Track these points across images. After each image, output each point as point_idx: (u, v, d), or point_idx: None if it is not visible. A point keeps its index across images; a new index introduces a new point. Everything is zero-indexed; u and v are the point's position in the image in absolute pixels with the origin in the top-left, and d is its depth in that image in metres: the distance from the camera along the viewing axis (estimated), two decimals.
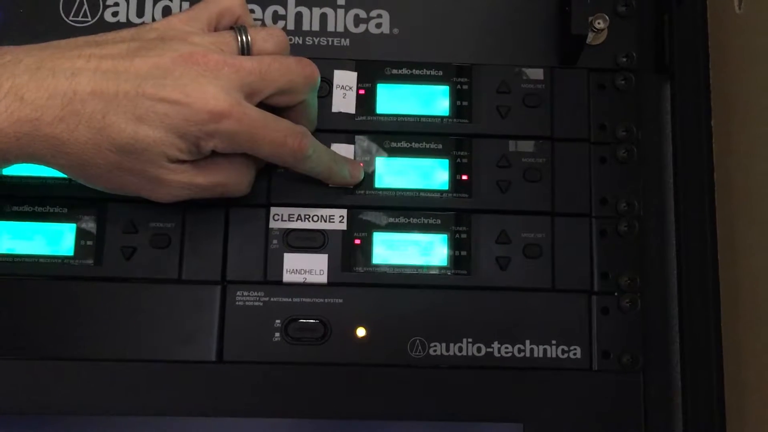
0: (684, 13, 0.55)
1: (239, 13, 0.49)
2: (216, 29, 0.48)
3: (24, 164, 0.49)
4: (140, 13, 0.54)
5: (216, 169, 0.47)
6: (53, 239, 0.51)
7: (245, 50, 0.47)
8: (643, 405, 0.51)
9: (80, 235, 0.51)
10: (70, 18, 0.54)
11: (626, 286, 0.52)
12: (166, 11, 0.54)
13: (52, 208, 0.51)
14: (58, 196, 0.51)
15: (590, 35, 0.54)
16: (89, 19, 0.54)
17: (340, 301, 0.51)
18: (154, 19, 0.54)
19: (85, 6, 0.54)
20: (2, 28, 0.53)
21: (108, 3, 0.54)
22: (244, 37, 0.48)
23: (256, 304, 0.51)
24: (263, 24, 0.54)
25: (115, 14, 0.54)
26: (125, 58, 0.45)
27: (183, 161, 0.46)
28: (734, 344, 0.51)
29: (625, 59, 0.55)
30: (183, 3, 0.55)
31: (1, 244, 0.51)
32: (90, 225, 0.51)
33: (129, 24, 0.54)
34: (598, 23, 0.54)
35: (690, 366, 0.52)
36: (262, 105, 0.47)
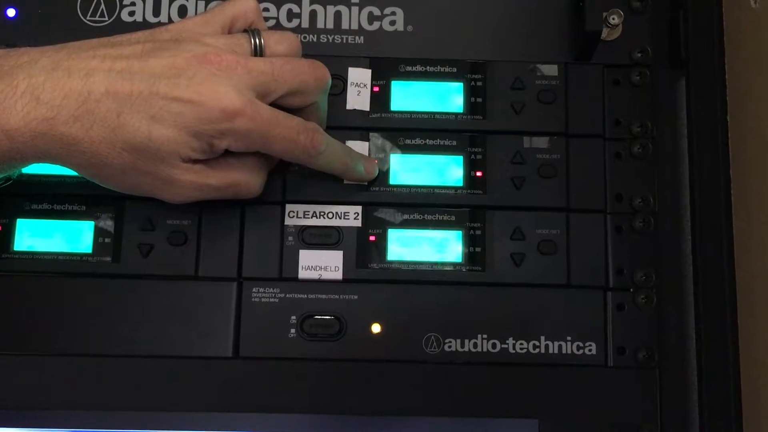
0: (699, 8, 0.54)
1: (253, 18, 0.49)
2: (230, 32, 0.49)
3: (42, 163, 0.50)
4: (156, 12, 0.55)
5: (228, 170, 0.48)
6: (72, 237, 0.52)
7: (258, 52, 0.48)
8: (659, 401, 0.51)
9: (98, 232, 0.52)
10: (88, 18, 0.55)
11: (641, 282, 0.52)
12: (182, 11, 0.55)
13: (70, 206, 0.52)
14: (76, 194, 0.52)
15: (605, 31, 0.54)
16: (106, 18, 0.55)
17: (355, 297, 0.51)
18: (170, 19, 0.55)
19: (102, 6, 0.55)
20: (20, 27, 0.54)
21: (125, 2, 0.55)
22: (257, 40, 0.48)
23: (272, 300, 0.51)
24: (277, 22, 0.55)
25: (131, 14, 0.55)
26: (139, 58, 0.45)
27: (196, 161, 0.47)
28: (750, 340, 0.51)
29: (639, 55, 0.54)
30: (199, 2, 0.55)
31: (20, 241, 0.51)
32: (108, 223, 0.52)
33: (145, 23, 0.54)
34: (613, 19, 0.54)
35: (706, 362, 0.51)
36: (274, 106, 0.47)
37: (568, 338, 0.51)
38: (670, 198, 0.54)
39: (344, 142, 0.52)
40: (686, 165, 0.54)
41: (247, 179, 0.49)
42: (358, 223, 0.52)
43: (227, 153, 0.47)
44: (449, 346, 0.51)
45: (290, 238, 0.52)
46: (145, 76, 0.44)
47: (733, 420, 0.50)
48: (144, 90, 0.44)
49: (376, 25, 0.55)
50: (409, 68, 0.54)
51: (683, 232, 0.54)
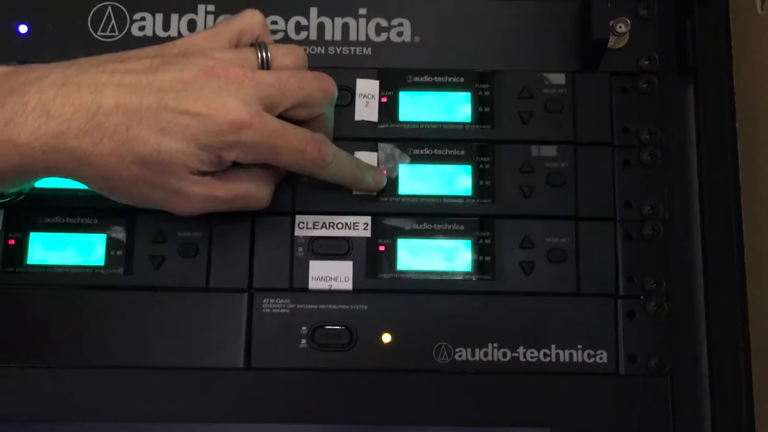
0: (706, 15, 0.54)
1: (259, 32, 0.50)
2: (237, 46, 0.49)
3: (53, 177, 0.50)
4: (166, 27, 0.55)
5: (237, 182, 0.48)
6: (84, 250, 0.52)
7: (265, 66, 0.48)
8: (671, 409, 0.51)
9: (110, 245, 0.52)
10: (98, 33, 0.55)
11: (652, 289, 0.52)
12: (192, 25, 0.55)
13: (82, 219, 0.52)
14: (88, 208, 0.52)
15: (612, 39, 0.54)
16: (116, 33, 0.55)
17: (366, 307, 0.51)
18: (179, 33, 0.55)
19: (113, 21, 0.55)
20: (32, 43, 0.54)
21: (135, 18, 0.55)
22: (264, 53, 0.48)
23: (283, 311, 0.51)
24: (285, 35, 0.55)
25: (141, 28, 0.55)
26: (148, 72, 0.46)
27: (205, 173, 0.47)
28: (762, 347, 0.50)
29: (647, 62, 0.54)
30: (208, 16, 0.55)
31: (33, 255, 0.52)
32: (120, 235, 0.52)
33: (155, 38, 0.55)
34: (620, 27, 0.54)
35: (718, 369, 0.51)
36: (282, 119, 0.48)
37: (579, 346, 0.51)
38: (680, 205, 0.54)
39: (353, 153, 0.53)
40: (695, 171, 0.54)
41: (255, 191, 0.49)
42: (368, 234, 0.52)
43: (235, 165, 0.48)
44: (460, 355, 0.51)
45: (300, 249, 0.52)
46: (154, 90, 0.45)
47: (745, 427, 0.50)
48: (153, 103, 0.45)
49: (383, 36, 0.55)
50: (416, 79, 0.54)
51: (693, 238, 0.54)
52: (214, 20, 0.55)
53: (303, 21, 0.56)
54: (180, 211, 0.49)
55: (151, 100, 0.45)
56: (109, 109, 0.44)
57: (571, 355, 0.51)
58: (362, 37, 0.55)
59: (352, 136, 0.53)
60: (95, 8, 0.55)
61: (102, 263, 0.52)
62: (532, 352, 0.51)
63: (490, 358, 0.51)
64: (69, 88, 0.44)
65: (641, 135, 0.54)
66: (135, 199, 0.48)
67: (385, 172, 0.53)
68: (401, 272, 0.52)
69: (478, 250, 0.52)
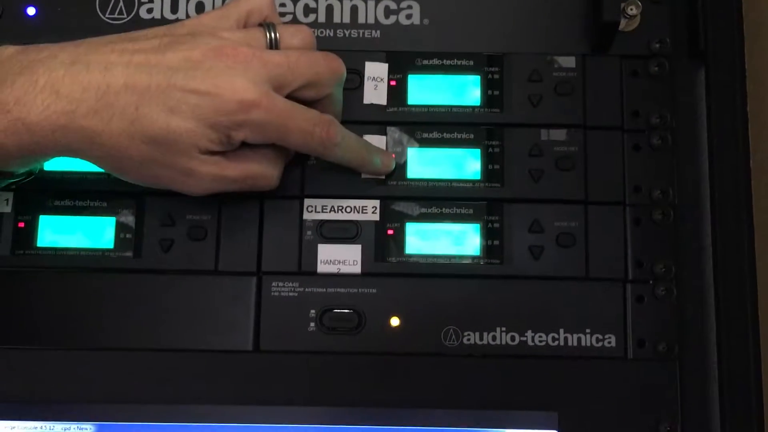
0: None
1: (267, 13, 0.50)
2: (245, 27, 0.49)
3: (64, 160, 0.51)
4: (174, 9, 0.55)
5: (246, 162, 0.48)
6: (94, 232, 0.52)
7: (273, 46, 0.48)
8: (679, 394, 0.51)
9: (120, 228, 0.52)
10: (107, 15, 0.55)
11: (661, 274, 0.52)
12: (200, 7, 0.55)
13: (92, 202, 0.52)
14: (98, 191, 0.52)
15: (622, 22, 0.53)
16: (125, 16, 0.55)
17: (374, 291, 0.51)
18: (188, 15, 0.55)
19: (121, 3, 0.55)
20: (40, 26, 0.54)
21: (143, 0, 0.55)
22: (272, 33, 0.48)
23: (291, 294, 0.51)
24: (294, 17, 0.55)
25: (149, 11, 0.55)
26: (157, 52, 0.46)
27: (214, 153, 0.47)
28: None
29: (658, 45, 0.54)
30: None
31: (43, 237, 0.52)
32: (129, 218, 0.52)
33: (164, 20, 0.55)
34: (631, 9, 0.53)
35: (726, 354, 0.51)
36: (290, 98, 0.48)
37: (587, 330, 0.51)
38: (690, 189, 0.53)
39: (362, 137, 0.52)
40: (706, 156, 0.54)
41: (264, 171, 0.49)
42: (376, 217, 0.52)
43: (244, 145, 0.48)
44: (468, 339, 0.51)
45: (309, 233, 0.52)
46: (163, 69, 0.45)
47: (754, 411, 0.50)
48: (162, 82, 0.45)
49: (392, 19, 0.55)
50: (425, 62, 0.54)
51: (703, 223, 0.53)
52: (222, 2, 0.55)
53: (311, 3, 0.55)
54: (190, 191, 0.49)
55: (160, 79, 0.45)
56: (119, 88, 0.44)
57: (579, 339, 0.51)
58: (371, 20, 0.55)
59: (361, 119, 0.53)
60: None
61: (111, 246, 0.52)
62: (540, 336, 0.51)
63: (498, 342, 0.51)
64: (78, 67, 0.44)
65: (651, 119, 0.53)
66: (145, 179, 0.48)
67: (393, 155, 0.53)
68: (410, 256, 0.52)
69: (487, 234, 0.52)
